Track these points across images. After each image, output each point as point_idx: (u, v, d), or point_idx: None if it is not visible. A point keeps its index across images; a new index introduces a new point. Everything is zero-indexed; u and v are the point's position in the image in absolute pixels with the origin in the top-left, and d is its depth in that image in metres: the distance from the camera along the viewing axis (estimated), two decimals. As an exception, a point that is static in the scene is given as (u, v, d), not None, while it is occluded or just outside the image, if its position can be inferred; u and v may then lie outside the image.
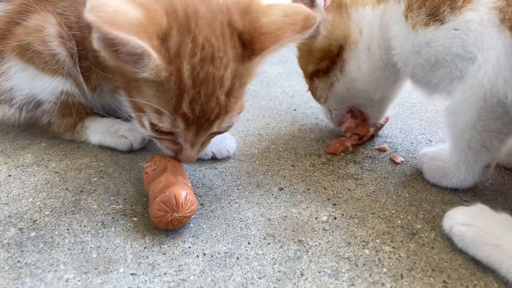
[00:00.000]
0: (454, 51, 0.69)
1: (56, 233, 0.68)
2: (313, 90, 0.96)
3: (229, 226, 0.70)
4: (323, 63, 0.89)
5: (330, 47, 0.87)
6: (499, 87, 0.63)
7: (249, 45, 0.65)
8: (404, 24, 0.74)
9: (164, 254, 0.64)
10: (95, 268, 0.61)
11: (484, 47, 0.64)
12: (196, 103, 0.64)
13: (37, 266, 0.61)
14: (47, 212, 0.73)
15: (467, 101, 0.68)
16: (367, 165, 0.88)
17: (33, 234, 0.68)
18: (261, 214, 0.73)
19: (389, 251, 0.64)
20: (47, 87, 0.89)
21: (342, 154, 0.93)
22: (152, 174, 0.72)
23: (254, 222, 0.71)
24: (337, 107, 0.96)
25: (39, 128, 0.98)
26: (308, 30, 0.65)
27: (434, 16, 0.70)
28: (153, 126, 0.68)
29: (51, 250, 0.64)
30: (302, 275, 0.60)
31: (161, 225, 0.66)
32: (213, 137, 0.74)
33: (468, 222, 0.62)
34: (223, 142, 0.89)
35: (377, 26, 0.82)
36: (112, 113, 0.94)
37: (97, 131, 0.95)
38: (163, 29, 0.61)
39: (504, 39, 0.62)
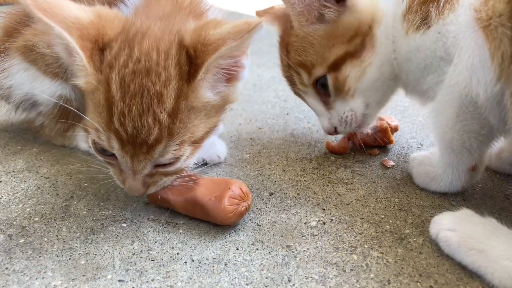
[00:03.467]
0: (438, 55, 0.69)
1: (45, 239, 0.68)
2: (340, 82, 0.79)
3: (218, 232, 0.70)
4: (356, 40, 0.76)
5: (361, 23, 0.77)
6: (472, 87, 0.63)
7: (194, 60, 0.62)
8: (400, 28, 0.74)
9: (152, 260, 0.64)
10: (83, 275, 0.61)
11: (459, 47, 0.65)
12: (126, 118, 0.60)
13: (24, 273, 0.61)
14: (37, 219, 0.73)
15: (446, 101, 0.68)
16: (357, 169, 0.89)
17: (22, 240, 0.68)
18: (250, 220, 0.73)
19: (377, 256, 0.64)
20: (46, 89, 0.89)
21: (333, 158, 0.93)
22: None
23: (243, 228, 0.71)
24: (363, 103, 0.82)
25: (31, 130, 0.99)
26: (249, 33, 0.59)
27: (425, 20, 0.70)
28: (94, 144, 0.65)
29: (40, 256, 0.64)
30: (289, 281, 0.60)
31: (234, 219, 0.69)
32: (164, 173, 0.67)
33: (454, 228, 0.62)
34: (213, 148, 0.89)
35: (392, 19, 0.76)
36: None
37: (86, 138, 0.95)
38: (105, 40, 0.62)
39: (477, 39, 0.61)
